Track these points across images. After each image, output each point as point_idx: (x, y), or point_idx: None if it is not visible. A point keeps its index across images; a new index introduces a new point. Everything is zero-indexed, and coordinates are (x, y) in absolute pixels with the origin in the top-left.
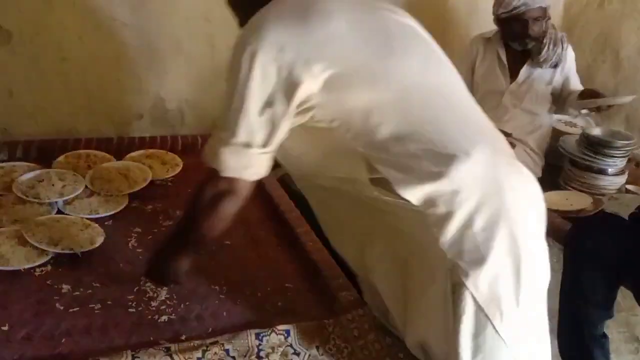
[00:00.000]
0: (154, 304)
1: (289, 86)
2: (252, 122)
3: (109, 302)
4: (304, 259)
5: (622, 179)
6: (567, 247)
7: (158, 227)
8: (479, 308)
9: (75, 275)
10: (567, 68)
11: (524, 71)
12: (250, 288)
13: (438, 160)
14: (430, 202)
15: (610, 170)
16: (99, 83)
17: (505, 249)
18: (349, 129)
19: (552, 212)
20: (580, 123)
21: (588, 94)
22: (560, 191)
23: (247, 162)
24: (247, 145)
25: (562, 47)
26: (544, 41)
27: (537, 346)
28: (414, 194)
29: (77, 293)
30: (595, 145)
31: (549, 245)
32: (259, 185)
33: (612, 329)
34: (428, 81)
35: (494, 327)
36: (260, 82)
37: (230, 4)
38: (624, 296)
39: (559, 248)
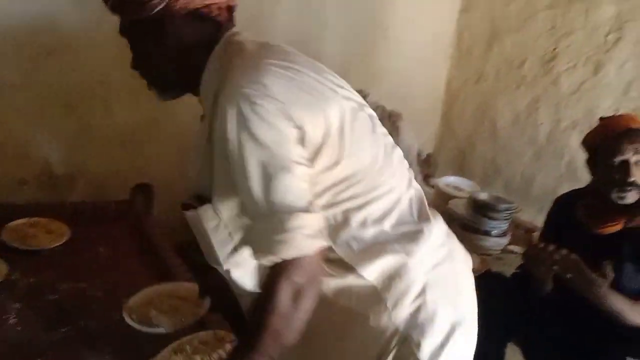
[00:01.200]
0: None
1: (299, 145)
2: (289, 186)
3: None
4: None
5: (505, 240)
6: None
7: (42, 302)
8: None
9: None
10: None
11: None
12: None
13: (398, 238)
14: (387, 277)
15: (494, 232)
16: None
17: (448, 316)
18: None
19: None
20: (466, 187)
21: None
22: None
23: (315, 230)
24: (306, 210)
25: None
26: None
27: None
28: (371, 269)
29: None
30: (481, 209)
31: None
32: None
33: None
34: (384, 158)
35: None
36: (285, 143)
37: (144, 56)
38: (513, 352)
39: None
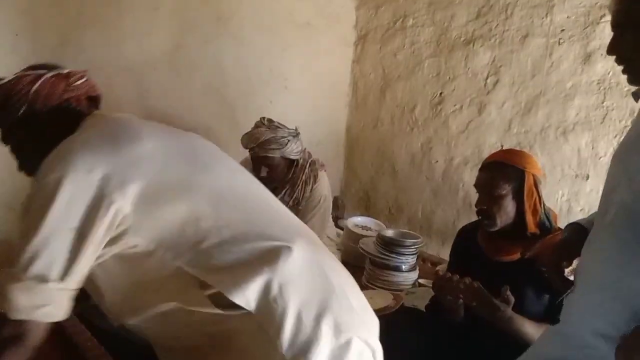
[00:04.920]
0: None
1: (99, 209)
2: (50, 251)
3: None
4: None
5: (414, 275)
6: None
7: None
8: None
9: None
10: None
11: None
12: None
13: (263, 257)
14: (263, 303)
15: (404, 267)
16: None
17: (331, 333)
18: (169, 247)
19: None
20: (373, 226)
21: None
22: (365, 290)
23: (42, 300)
24: (42, 279)
25: (307, 189)
26: (286, 186)
27: None
28: (246, 296)
29: None
30: (389, 245)
31: None
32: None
33: None
34: (238, 187)
35: None
36: (64, 208)
37: (15, 146)
38: None
39: None
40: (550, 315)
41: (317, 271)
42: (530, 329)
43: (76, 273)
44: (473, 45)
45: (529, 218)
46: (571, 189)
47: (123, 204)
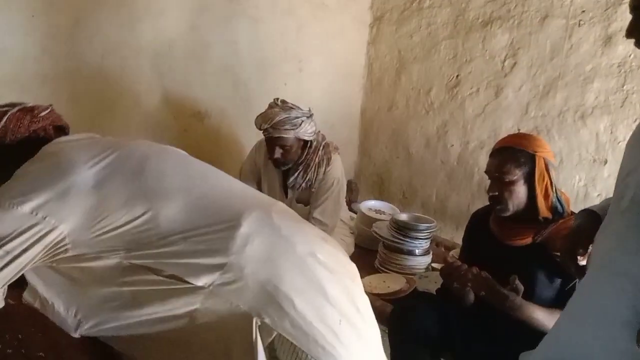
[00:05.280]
0: None
1: (31, 236)
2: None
3: None
4: None
5: (428, 259)
6: (390, 328)
7: None
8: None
9: None
10: (319, 187)
11: (289, 191)
12: None
13: (214, 241)
14: (220, 275)
15: (417, 251)
16: None
17: (300, 287)
18: (115, 250)
19: (372, 296)
20: (387, 210)
21: None
22: (378, 274)
23: None
24: None
25: (320, 171)
26: (299, 168)
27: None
28: (201, 277)
29: None
30: (403, 229)
31: None
32: None
33: None
34: (187, 178)
35: None
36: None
37: None
38: None
39: (382, 330)
40: (561, 300)
41: (272, 232)
42: (541, 316)
43: (1, 281)
44: (491, 26)
45: (541, 202)
46: (588, 174)
47: (61, 228)
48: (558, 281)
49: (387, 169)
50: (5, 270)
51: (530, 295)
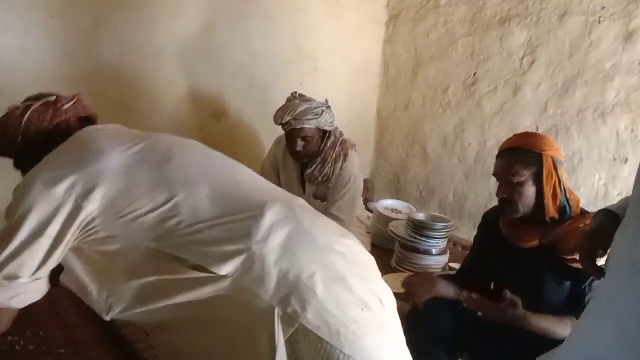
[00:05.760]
0: None
1: (66, 217)
2: (22, 256)
3: None
4: None
5: (445, 258)
6: (408, 328)
7: None
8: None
9: None
10: (335, 182)
11: (307, 186)
12: None
13: (239, 229)
14: (242, 263)
15: (434, 250)
16: None
17: (322, 278)
18: (144, 236)
19: None
20: (403, 209)
21: None
22: (394, 274)
23: (15, 292)
24: (14, 277)
25: (337, 167)
26: (317, 160)
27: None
28: (226, 265)
29: None
30: (419, 228)
31: None
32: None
33: None
34: (211, 168)
35: (342, 352)
36: (36, 220)
37: (23, 169)
38: None
39: None
40: (572, 303)
41: (294, 223)
42: (548, 324)
43: (46, 268)
44: (508, 24)
45: (548, 202)
46: (608, 173)
47: (90, 209)
48: (567, 283)
49: (403, 168)
50: (55, 254)
51: (539, 298)
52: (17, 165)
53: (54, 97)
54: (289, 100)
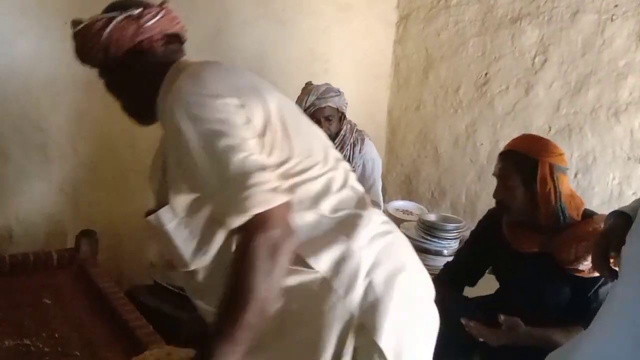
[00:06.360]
0: None
1: (257, 110)
2: (251, 154)
3: None
4: None
5: None
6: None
7: None
8: None
9: None
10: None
11: None
12: None
13: (344, 221)
14: (336, 264)
15: (445, 251)
16: None
17: (402, 298)
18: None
19: None
20: (415, 210)
21: None
22: None
23: (275, 185)
24: (262, 168)
25: (355, 150)
26: (335, 143)
27: None
28: (323, 262)
29: None
30: (431, 229)
31: None
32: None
33: None
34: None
35: None
36: (232, 123)
37: (109, 86)
38: None
39: None
40: (573, 309)
41: (385, 235)
42: (548, 337)
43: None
44: (520, 23)
45: (541, 209)
46: (623, 172)
47: (271, 109)
48: (567, 290)
49: (415, 169)
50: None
51: (538, 303)
52: (101, 75)
53: (138, 11)
54: (306, 86)
